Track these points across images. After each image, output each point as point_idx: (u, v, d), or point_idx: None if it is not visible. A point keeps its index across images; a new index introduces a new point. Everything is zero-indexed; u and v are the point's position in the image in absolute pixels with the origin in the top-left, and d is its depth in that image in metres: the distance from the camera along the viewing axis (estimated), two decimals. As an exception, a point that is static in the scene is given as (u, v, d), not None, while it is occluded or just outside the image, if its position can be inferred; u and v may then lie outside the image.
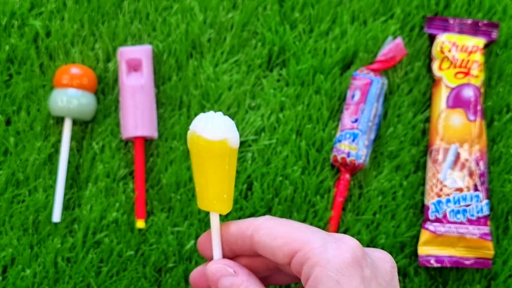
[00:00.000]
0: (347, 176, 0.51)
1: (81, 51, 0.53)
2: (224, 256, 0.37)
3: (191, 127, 0.37)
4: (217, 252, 0.37)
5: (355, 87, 0.51)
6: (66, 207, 0.51)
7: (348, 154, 0.50)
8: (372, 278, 0.32)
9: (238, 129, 0.39)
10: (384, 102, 0.52)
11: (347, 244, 0.32)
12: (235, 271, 0.35)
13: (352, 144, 0.49)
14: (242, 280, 0.35)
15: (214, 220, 0.37)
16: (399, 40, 0.50)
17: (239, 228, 0.36)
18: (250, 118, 0.52)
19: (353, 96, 0.50)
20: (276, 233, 0.33)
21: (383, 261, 0.34)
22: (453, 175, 0.50)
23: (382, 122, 0.53)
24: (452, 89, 0.51)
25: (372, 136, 0.50)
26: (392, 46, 0.51)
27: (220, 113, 0.36)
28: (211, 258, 0.38)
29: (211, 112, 0.36)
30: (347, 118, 0.50)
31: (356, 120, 0.50)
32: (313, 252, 0.31)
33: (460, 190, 0.49)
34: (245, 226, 0.35)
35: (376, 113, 0.50)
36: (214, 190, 0.37)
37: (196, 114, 0.52)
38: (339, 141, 0.50)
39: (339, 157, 0.50)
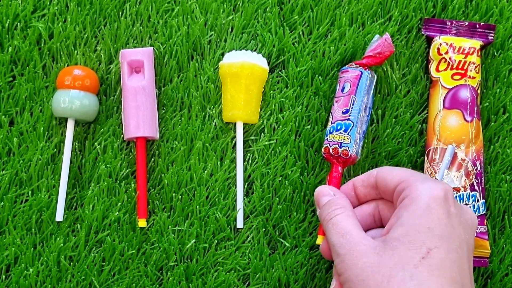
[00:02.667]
0: (340, 168, 0.49)
1: (84, 53, 0.53)
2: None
3: (237, 58, 0.51)
4: None
5: (345, 80, 0.50)
6: (68, 207, 0.51)
7: (340, 145, 0.48)
8: (457, 215, 0.38)
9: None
10: (374, 97, 0.51)
11: (442, 185, 0.39)
12: (334, 193, 0.44)
13: (344, 135, 0.48)
14: (338, 201, 0.42)
15: (239, 128, 0.52)
16: (387, 36, 0.50)
17: (367, 173, 0.44)
18: (250, 119, 0.53)
19: (343, 89, 0.50)
20: (393, 170, 0.42)
21: (469, 213, 0.40)
22: (450, 175, 0.50)
23: (380, 123, 0.53)
24: (449, 90, 0.52)
25: (364, 128, 0.50)
26: (380, 43, 0.50)
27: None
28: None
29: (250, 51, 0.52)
30: (338, 110, 0.49)
31: (347, 111, 0.48)
32: (415, 182, 0.39)
33: (457, 190, 0.50)
34: (371, 171, 0.44)
35: (367, 105, 0.49)
36: (256, 104, 0.52)
37: (197, 116, 0.52)
38: (331, 132, 0.49)
39: (331, 148, 0.49)
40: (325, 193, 0.44)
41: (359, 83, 0.49)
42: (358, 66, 0.50)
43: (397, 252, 0.36)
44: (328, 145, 0.49)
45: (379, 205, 0.44)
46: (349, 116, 0.48)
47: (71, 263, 0.50)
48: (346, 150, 0.48)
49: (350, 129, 0.48)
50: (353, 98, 0.49)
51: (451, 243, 0.37)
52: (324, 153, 0.50)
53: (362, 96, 0.49)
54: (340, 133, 0.48)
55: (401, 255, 0.36)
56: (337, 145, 0.48)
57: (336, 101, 0.50)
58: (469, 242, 0.39)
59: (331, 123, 0.49)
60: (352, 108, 0.48)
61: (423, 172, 0.52)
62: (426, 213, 0.37)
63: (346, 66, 0.51)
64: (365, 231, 0.41)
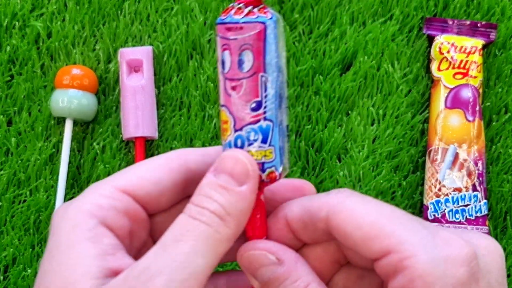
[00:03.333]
0: (262, 197, 0.28)
1: (82, 52, 0.53)
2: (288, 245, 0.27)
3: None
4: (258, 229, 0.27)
5: (241, 46, 0.27)
6: (67, 207, 0.51)
7: (262, 166, 0.27)
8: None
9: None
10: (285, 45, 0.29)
11: (460, 253, 0.23)
12: (278, 259, 0.25)
13: (265, 147, 0.27)
14: (289, 270, 0.25)
15: None
16: None
17: (307, 210, 0.26)
18: (250, 119, 0.53)
19: (240, 63, 0.27)
20: (361, 220, 0.24)
21: (494, 254, 0.25)
22: (452, 175, 0.50)
23: (381, 123, 0.53)
24: (451, 89, 0.51)
25: (285, 115, 0.29)
26: None
27: None
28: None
29: None
30: (241, 105, 0.27)
31: (259, 105, 0.27)
32: (414, 261, 0.23)
33: (459, 190, 0.50)
34: (315, 206, 0.26)
35: (282, 71, 0.28)
36: None
37: (196, 115, 0.52)
38: (240, 146, 0.27)
39: None
40: (262, 261, 0.25)
41: (266, 45, 0.27)
42: (248, 6, 0.27)
43: None
44: None
45: (344, 249, 0.27)
46: (264, 112, 0.27)
47: (70, 264, 0.50)
48: (273, 171, 0.27)
49: (271, 135, 0.27)
50: (263, 78, 0.27)
51: None
52: None
53: (276, 67, 0.27)
54: (259, 146, 0.27)
55: None
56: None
57: (233, 88, 0.27)
58: None
59: (234, 130, 0.27)
60: (266, 97, 0.27)
61: (424, 173, 0.52)
62: None
63: (229, 14, 0.27)
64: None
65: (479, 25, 0.53)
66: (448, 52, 0.52)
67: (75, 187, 0.51)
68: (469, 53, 0.52)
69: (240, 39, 0.27)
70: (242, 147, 0.27)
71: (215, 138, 0.52)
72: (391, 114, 0.53)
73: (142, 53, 0.52)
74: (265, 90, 0.27)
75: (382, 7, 0.54)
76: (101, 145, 0.52)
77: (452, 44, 0.52)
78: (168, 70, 0.53)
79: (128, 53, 0.51)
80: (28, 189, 0.51)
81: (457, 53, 0.52)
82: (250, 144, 0.27)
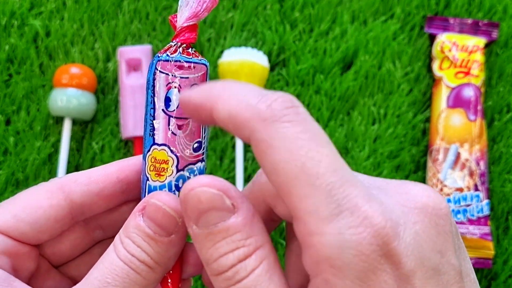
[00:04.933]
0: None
1: (81, 51, 0.53)
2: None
3: (236, 56, 0.50)
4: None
5: (190, 85, 0.27)
6: (65, 207, 0.51)
7: None
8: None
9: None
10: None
11: (376, 233, 0.19)
12: (234, 205, 0.21)
13: None
14: (244, 223, 0.21)
15: None
16: None
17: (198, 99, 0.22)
18: (250, 118, 0.52)
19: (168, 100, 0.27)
20: (282, 164, 0.20)
21: (427, 223, 0.21)
22: (454, 175, 0.50)
23: (382, 122, 0.52)
24: (453, 89, 0.51)
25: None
26: None
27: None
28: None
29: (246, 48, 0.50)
30: (186, 145, 0.26)
31: (200, 146, 0.27)
32: (323, 239, 0.19)
33: (461, 190, 0.49)
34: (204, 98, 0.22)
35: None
36: None
37: (196, 114, 0.52)
38: (181, 187, 0.25)
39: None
40: (215, 204, 0.21)
41: None
42: (190, 53, 0.28)
43: None
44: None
45: None
46: (203, 153, 0.27)
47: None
48: None
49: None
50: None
51: None
52: None
53: None
54: None
55: None
56: None
57: (180, 127, 0.26)
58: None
59: (177, 170, 0.26)
60: (204, 137, 0.27)
61: (425, 172, 0.51)
62: None
63: (167, 54, 0.26)
64: None
65: (480, 23, 0.53)
66: (449, 51, 0.52)
67: (74, 187, 0.51)
68: (470, 52, 0.52)
69: (191, 78, 0.27)
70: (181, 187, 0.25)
71: (215, 138, 0.52)
72: (392, 114, 0.53)
73: (142, 52, 0.51)
74: (205, 131, 0.27)
75: (383, 5, 0.54)
76: (100, 145, 0.52)
77: (454, 43, 0.52)
78: (167, 69, 0.53)
79: (127, 52, 0.51)
80: (26, 189, 0.51)
81: (458, 52, 0.52)
82: None
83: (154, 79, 0.26)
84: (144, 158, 0.26)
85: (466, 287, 0.21)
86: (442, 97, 0.51)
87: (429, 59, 0.54)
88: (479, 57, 0.51)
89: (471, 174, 0.50)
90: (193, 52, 0.27)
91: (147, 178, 0.26)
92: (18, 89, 0.52)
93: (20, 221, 0.25)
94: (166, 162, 0.26)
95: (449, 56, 0.52)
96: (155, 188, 0.26)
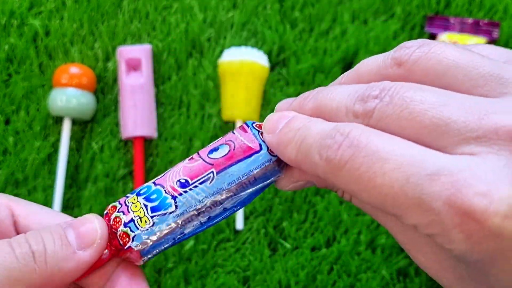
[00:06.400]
0: (106, 253, 0.27)
1: (81, 51, 0.53)
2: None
3: (236, 56, 0.50)
4: None
5: (227, 140, 0.27)
6: (65, 207, 0.51)
7: (126, 224, 0.27)
8: None
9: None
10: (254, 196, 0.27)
11: (483, 228, 0.18)
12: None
13: (146, 214, 0.26)
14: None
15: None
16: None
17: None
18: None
19: (216, 149, 0.27)
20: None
21: None
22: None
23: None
24: (453, 88, 0.51)
25: (190, 230, 0.27)
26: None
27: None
28: None
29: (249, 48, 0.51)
30: (179, 170, 0.27)
31: (186, 184, 0.26)
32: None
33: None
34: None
35: (224, 206, 0.27)
36: (257, 103, 0.50)
37: (195, 114, 0.52)
38: (134, 192, 0.28)
39: (112, 217, 0.28)
40: (277, 123, 0.25)
41: (245, 160, 0.26)
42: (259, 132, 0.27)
43: None
44: (113, 211, 0.28)
45: None
46: (183, 195, 0.26)
47: (68, 265, 0.50)
48: (127, 233, 0.26)
49: (163, 213, 0.26)
50: (213, 173, 0.26)
51: None
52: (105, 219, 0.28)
53: (231, 182, 0.26)
54: (144, 204, 0.27)
55: None
56: (121, 217, 0.27)
57: (191, 160, 0.27)
58: None
59: (155, 182, 0.27)
60: (199, 185, 0.26)
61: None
62: None
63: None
64: None
65: (481, 23, 0.53)
66: (450, 50, 0.52)
67: (73, 187, 0.51)
68: (471, 51, 0.52)
69: (232, 136, 0.28)
70: (136, 193, 0.28)
71: (214, 138, 0.52)
72: (392, 113, 0.52)
73: (141, 52, 0.51)
74: (208, 181, 0.27)
75: (383, 5, 0.54)
76: (100, 145, 0.51)
77: (454, 43, 0.52)
78: (167, 68, 0.53)
79: (127, 52, 0.51)
80: (26, 189, 0.51)
81: (459, 52, 0.52)
82: (143, 197, 0.28)
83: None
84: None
85: None
86: (442, 96, 0.51)
87: (430, 58, 0.54)
88: (479, 56, 0.51)
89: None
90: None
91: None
92: (17, 89, 0.52)
93: None
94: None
95: (449, 55, 0.52)
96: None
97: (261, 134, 0.27)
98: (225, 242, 0.51)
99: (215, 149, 0.27)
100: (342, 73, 0.54)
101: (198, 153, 0.27)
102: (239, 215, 0.50)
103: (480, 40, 0.52)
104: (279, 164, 0.26)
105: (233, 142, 0.27)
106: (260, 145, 0.26)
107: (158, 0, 0.53)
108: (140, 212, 0.27)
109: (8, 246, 0.24)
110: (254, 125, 0.28)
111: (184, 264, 0.50)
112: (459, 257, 0.19)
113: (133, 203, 0.27)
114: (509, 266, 0.18)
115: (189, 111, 0.52)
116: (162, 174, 0.27)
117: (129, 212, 0.27)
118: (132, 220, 0.27)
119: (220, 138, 0.27)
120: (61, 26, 0.53)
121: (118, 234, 0.26)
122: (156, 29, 0.53)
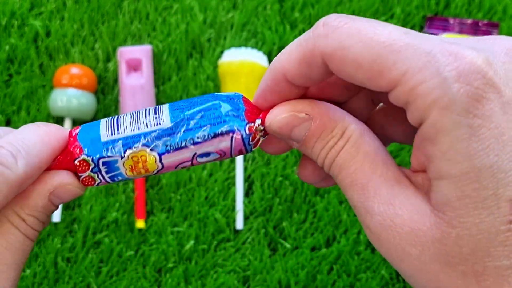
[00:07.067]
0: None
1: (81, 51, 0.53)
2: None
3: (236, 56, 0.50)
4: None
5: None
6: (66, 207, 0.51)
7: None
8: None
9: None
10: None
11: (473, 65, 0.20)
12: (307, 114, 0.24)
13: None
14: (322, 123, 0.24)
15: None
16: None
17: (302, 60, 0.23)
18: (250, 118, 0.52)
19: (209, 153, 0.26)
20: (359, 56, 0.21)
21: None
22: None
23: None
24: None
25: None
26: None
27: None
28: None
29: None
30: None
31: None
32: (424, 87, 0.20)
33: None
34: (308, 54, 0.23)
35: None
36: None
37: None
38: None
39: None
40: (293, 122, 0.25)
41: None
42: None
43: (465, 226, 0.20)
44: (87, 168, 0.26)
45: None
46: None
47: (69, 264, 0.50)
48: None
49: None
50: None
51: None
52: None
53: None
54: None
55: (474, 232, 0.20)
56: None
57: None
58: None
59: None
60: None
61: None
62: (469, 134, 0.20)
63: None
64: None
65: (480, 24, 0.53)
66: (449, 51, 0.52)
67: (74, 187, 0.51)
68: (470, 52, 0.52)
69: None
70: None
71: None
72: (392, 114, 0.53)
73: (142, 52, 0.51)
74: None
75: (383, 5, 0.54)
76: (100, 145, 0.52)
77: (454, 43, 0.52)
78: (167, 69, 0.53)
79: (127, 52, 0.51)
80: (26, 189, 0.51)
81: (458, 52, 0.52)
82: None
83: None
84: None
85: None
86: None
87: (429, 59, 0.54)
88: (479, 57, 0.52)
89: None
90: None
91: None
92: (18, 89, 0.52)
93: None
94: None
95: (449, 56, 0.52)
96: None
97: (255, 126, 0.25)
98: (225, 242, 0.51)
99: (205, 154, 0.26)
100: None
101: (192, 163, 0.26)
102: (239, 215, 0.51)
103: (479, 40, 0.52)
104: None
105: (224, 152, 0.26)
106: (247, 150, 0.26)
107: (159, 0, 0.53)
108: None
109: None
110: (244, 103, 0.26)
111: (184, 264, 0.50)
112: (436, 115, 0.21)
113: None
114: (483, 110, 0.20)
115: (189, 111, 0.52)
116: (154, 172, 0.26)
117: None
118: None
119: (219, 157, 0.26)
120: (61, 27, 0.53)
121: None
122: (157, 29, 0.53)
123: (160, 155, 0.25)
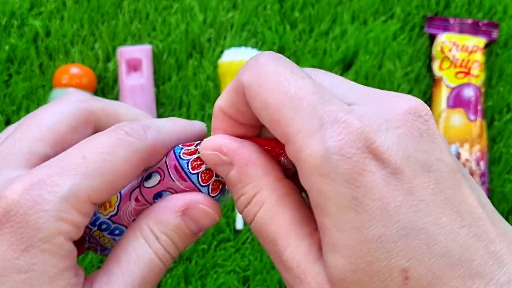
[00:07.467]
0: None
1: (81, 51, 0.53)
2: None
3: (236, 56, 0.50)
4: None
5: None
6: (65, 207, 0.51)
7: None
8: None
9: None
10: None
11: (358, 136, 0.20)
12: (230, 158, 0.24)
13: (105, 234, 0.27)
14: (240, 173, 0.23)
15: None
16: None
17: (232, 93, 0.23)
18: (250, 118, 0.52)
19: (161, 193, 0.26)
20: (269, 98, 0.21)
21: (403, 128, 0.21)
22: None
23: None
24: (453, 89, 0.51)
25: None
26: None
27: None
28: None
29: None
30: (133, 213, 0.26)
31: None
32: (309, 153, 0.20)
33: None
34: (235, 87, 0.23)
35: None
36: None
37: (196, 115, 0.52)
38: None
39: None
40: (216, 161, 0.24)
41: None
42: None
43: None
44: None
45: None
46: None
47: (68, 265, 0.50)
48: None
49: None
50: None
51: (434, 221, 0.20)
52: None
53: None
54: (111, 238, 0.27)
55: None
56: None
57: (137, 202, 0.26)
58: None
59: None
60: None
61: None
62: (354, 205, 0.20)
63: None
64: None
65: (480, 24, 0.53)
66: (449, 51, 0.52)
67: (74, 187, 0.51)
68: (471, 52, 0.52)
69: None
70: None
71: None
72: (392, 114, 0.53)
73: (141, 52, 0.51)
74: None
75: (383, 5, 0.54)
76: (100, 145, 0.51)
77: (454, 43, 0.52)
78: (167, 69, 0.53)
79: (127, 52, 0.51)
80: (26, 189, 0.51)
81: (458, 52, 0.52)
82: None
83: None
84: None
85: (465, 184, 0.21)
86: (442, 97, 0.51)
87: (429, 59, 0.54)
88: (479, 57, 0.51)
89: (471, 174, 0.49)
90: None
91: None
92: (18, 89, 0.52)
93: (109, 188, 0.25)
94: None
95: (449, 56, 0.52)
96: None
97: (198, 172, 0.25)
98: (225, 242, 0.51)
99: (159, 194, 0.25)
100: (342, 73, 0.55)
101: (142, 194, 0.26)
102: (239, 215, 0.51)
103: (479, 40, 0.52)
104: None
105: (175, 190, 0.25)
106: (200, 190, 0.25)
107: (159, 0, 0.53)
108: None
109: (154, 257, 0.25)
110: (183, 156, 0.25)
111: (184, 264, 0.50)
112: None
113: (99, 236, 0.27)
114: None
115: (189, 111, 0.52)
116: (114, 210, 0.26)
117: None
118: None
119: (161, 180, 0.25)
120: (61, 27, 0.53)
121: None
122: (157, 29, 0.53)
123: None
